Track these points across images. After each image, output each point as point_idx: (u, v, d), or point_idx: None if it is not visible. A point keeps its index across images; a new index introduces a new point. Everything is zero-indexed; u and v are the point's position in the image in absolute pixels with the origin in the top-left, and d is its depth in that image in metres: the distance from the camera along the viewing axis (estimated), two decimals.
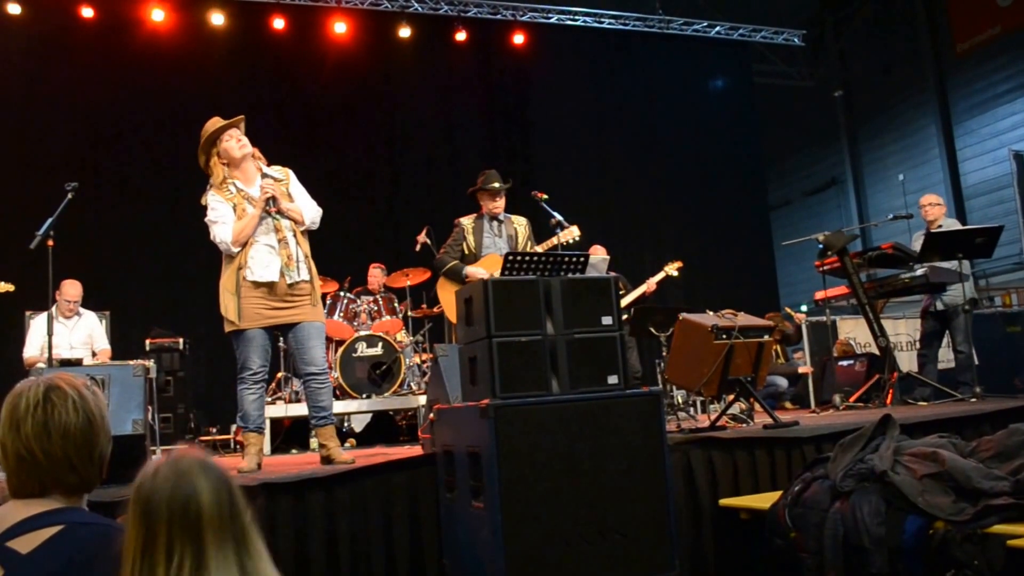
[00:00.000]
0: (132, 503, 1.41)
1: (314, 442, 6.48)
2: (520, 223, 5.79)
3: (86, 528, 1.67)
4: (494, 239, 5.67)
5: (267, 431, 6.46)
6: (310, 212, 4.53)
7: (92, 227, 9.33)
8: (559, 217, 5.51)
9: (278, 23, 10.46)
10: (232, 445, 7.64)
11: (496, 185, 5.64)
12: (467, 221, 5.75)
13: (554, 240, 5.58)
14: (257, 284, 4.32)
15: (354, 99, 10.83)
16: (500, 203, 5.69)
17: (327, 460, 4.34)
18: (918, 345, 7.22)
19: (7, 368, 8.05)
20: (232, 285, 4.35)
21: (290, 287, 4.36)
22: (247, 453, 4.38)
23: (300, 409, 6.70)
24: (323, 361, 4.50)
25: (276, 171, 4.59)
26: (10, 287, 6.44)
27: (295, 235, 4.42)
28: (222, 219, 4.37)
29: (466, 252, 5.65)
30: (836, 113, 15.60)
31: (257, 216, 4.33)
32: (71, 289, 6.75)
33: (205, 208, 4.46)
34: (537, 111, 11.91)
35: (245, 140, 4.48)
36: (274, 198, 4.37)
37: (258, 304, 4.33)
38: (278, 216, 4.38)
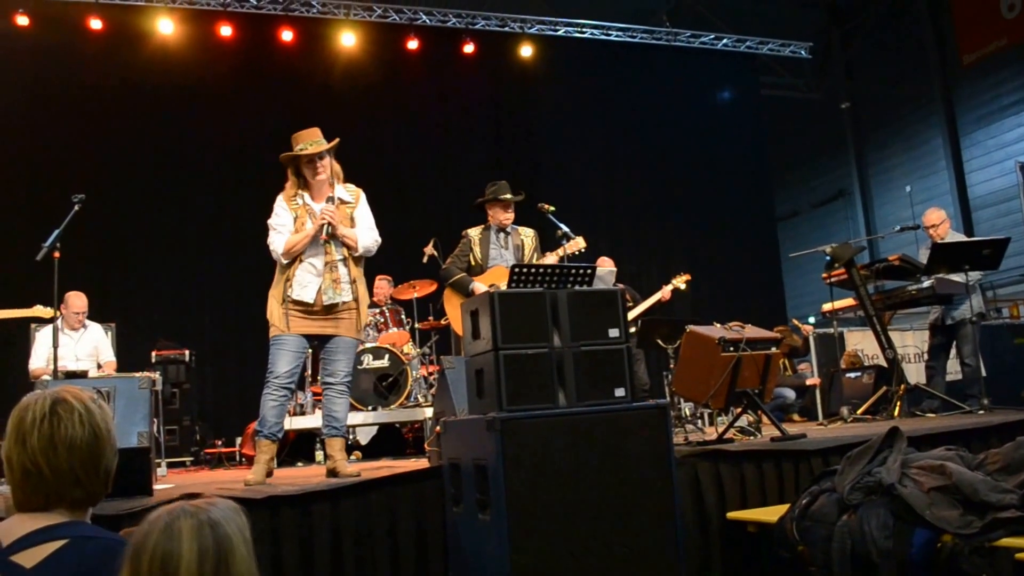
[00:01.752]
0: (129, 546, 1.42)
1: (319, 454, 6.49)
2: (527, 234, 5.79)
3: (90, 542, 1.67)
4: (500, 250, 5.67)
5: None
6: (365, 240, 4.59)
7: (99, 239, 9.37)
8: (565, 229, 5.50)
9: (287, 35, 10.52)
10: (238, 458, 7.63)
11: (508, 196, 5.64)
12: (474, 232, 5.74)
13: (560, 251, 5.57)
14: (298, 301, 4.44)
15: (362, 111, 10.86)
16: (511, 214, 5.69)
17: (332, 473, 4.37)
18: (925, 357, 7.19)
19: (13, 380, 8.07)
20: (279, 295, 4.48)
21: (328, 308, 4.46)
22: (256, 462, 4.40)
23: (305, 422, 6.71)
24: (345, 375, 4.59)
25: (348, 192, 4.68)
26: (47, 312, 6.47)
27: (347, 261, 4.53)
28: (280, 228, 4.49)
29: (472, 263, 5.64)
30: (843, 125, 15.60)
31: (310, 236, 4.43)
32: (77, 301, 6.77)
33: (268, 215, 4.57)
34: (544, 123, 11.94)
35: (325, 167, 4.54)
36: (330, 224, 4.44)
37: (299, 315, 4.45)
38: (331, 241, 4.48)
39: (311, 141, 4.53)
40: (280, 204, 4.55)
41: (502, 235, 5.70)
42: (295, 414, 6.86)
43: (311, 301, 4.42)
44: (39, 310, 6.46)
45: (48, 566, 1.60)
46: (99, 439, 1.78)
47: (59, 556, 1.62)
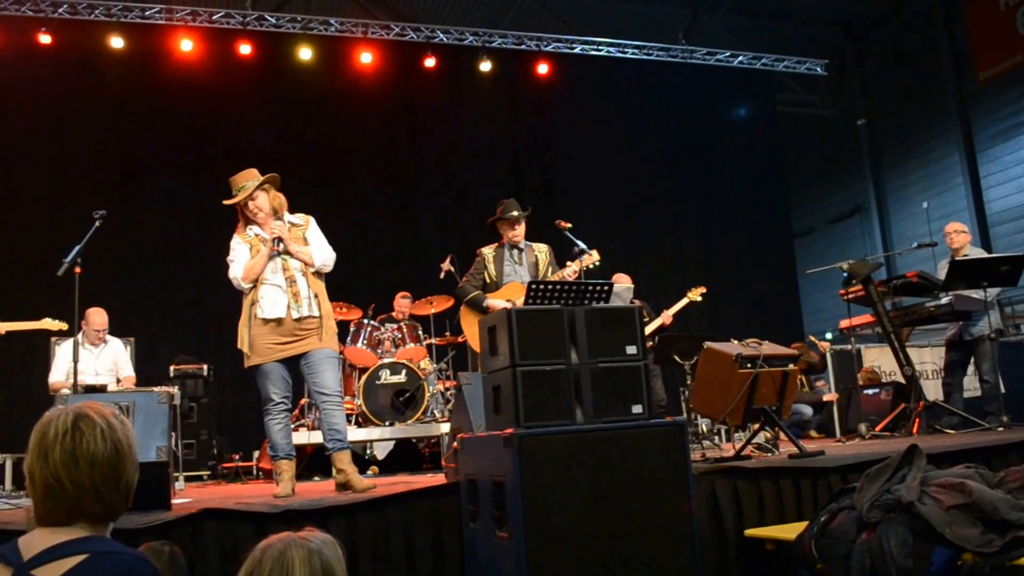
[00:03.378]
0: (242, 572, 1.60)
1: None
2: (541, 250, 5.82)
3: (110, 558, 1.69)
4: (515, 267, 5.70)
5: None
6: (321, 255, 4.75)
7: (118, 254, 9.48)
8: (582, 246, 5.54)
9: (305, 53, 10.62)
10: (255, 472, 7.66)
11: (515, 213, 5.68)
12: (488, 250, 5.79)
13: (576, 264, 5.60)
14: (266, 320, 4.57)
15: (379, 128, 10.95)
16: (520, 231, 5.73)
17: (344, 486, 4.41)
18: (942, 374, 7.14)
19: (32, 394, 8.17)
20: (246, 320, 4.64)
21: (297, 321, 4.59)
22: (280, 480, 4.55)
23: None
24: (335, 385, 4.65)
25: (297, 218, 4.87)
26: (63, 325, 6.53)
27: (304, 275, 4.66)
28: (237, 259, 4.70)
29: (487, 281, 5.68)
30: (859, 141, 15.55)
31: (266, 255, 4.62)
32: (97, 318, 6.83)
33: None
34: (561, 141, 11.99)
35: (262, 204, 4.71)
36: (280, 239, 4.63)
37: (268, 339, 4.58)
38: (287, 257, 4.64)
39: (241, 185, 4.73)
40: (235, 240, 4.77)
41: (515, 252, 5.74)
42: (313, 428, 6.87)
43: (283, 316, 4.56)
44: (48, 323, 6.50)
45: None
46: (120, 454, 1.80)
47: (78, 571, 1.63)
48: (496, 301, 5.50)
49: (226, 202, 4.78)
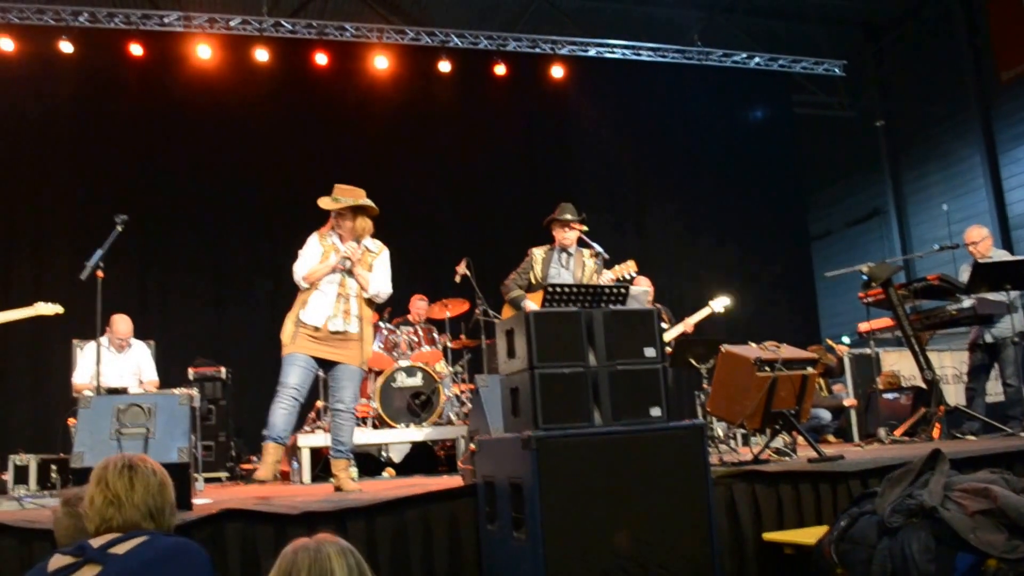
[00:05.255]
0: (277, 571, 1.77)
1: (353, 471, 6.54)
2: (590, 256, 5.83)
3: (168, 539, 2.14)
4: (560, 270, 5.73)
5: (306, 462, 6.54)
6: (377, 285, 5.06)
7: (138, 257, 9.58)
8: (598, 248, 5.55)
9: (321, 59, 10.68)
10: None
11: (568, 216, 5.71)
12: (539, 251, 5.83)
13: (615, 270, 5.65)
14: (306, 324, 4.91)
15: (395, 132, 10.97)
16: (571, 235, 5.75)
17: (337, 489, 4.80)
18: (966, 378, 7.07)
19: (55, 398, 8.24)
20: (294, 316, 4.96)
21: (334, 334, 4.88)
22: (264, 462, 4.85)
23: None
24: (352, 401, 4.98)
25: (374, 244, 5.15)
26: (59, 309, 6.56)
27: (358, 298, 4.99)
28: (306, 257, 5.02)
29: (532, 281, 5.73)
30: (877, 143, 15.42)
31: (330, 267, 4.94)
32: (122, 325, 6.90)
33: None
34: (576, 143, 11.98)
35: (348, 226, 4.99)
36: (350, 259, 4.95)
37: (308, 338, 4.91)
38: (348, 275, 4.96)
39: (345, 197, 5.01)
40: (312, 238, 5.09)
41: (564, 255, 5.77)
42: (330, 431, 6.88)
43: (319, 325, 4.87)
44: (41, 307, 6.47)
45: (136, 553, 2.03)
46: (167, 489, 2.23)
47: (143, 546, 2.05)
48: (530, 303, 5.52)
49: (321, 202, 5.02)
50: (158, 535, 2.11)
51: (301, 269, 4.98)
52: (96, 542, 2.07)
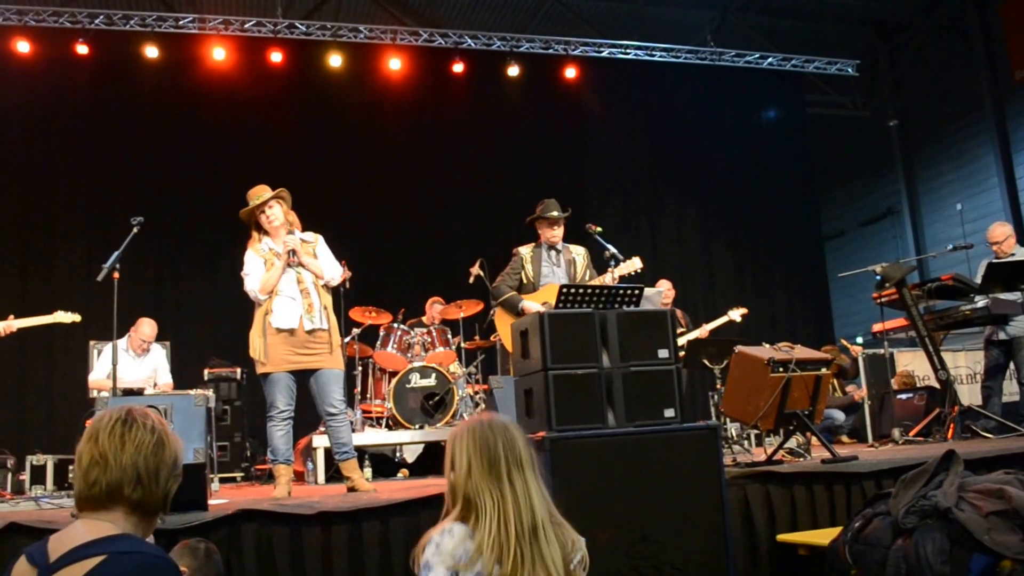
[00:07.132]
0: (471, 439, 2.21)
1: (367, 472, 6.59)
2: (578, 252, 5.81)
3: (128, 557, 1.75)
4: (552, 268, 5.70)
5: (321, 462, 6.58)
6: (329, 270, 5.07)
7: (153, 257, 9.65)
8: (613, 250, 5.51)
9: (335, 60, 10.71)
10: None
11: (555, 213, 5.68)
12: (526, 250, 5.78)
13: (619, 270, 5.58)
14: (279, 330, 4.83)
15: (408, 134, 11.01)
16: (558, 232, 5.73)
17: (352, 489, 4.79)
18: (981, 377, 7.04)
19: (71, 399, 8.31)
20: (260, 330, 4.89)
21: (309, 334, 4.84)
22: (278, 484, 4.85)
23: (355, 439, 6.77)
24: (341, 402, 4.95)
25: (308, 235, 5.13)
26: (76, 317, 6.63)
27: (316, 287, 4.95)
28: (253, 272, 4.97)
29: (524, 281, 5.68)
30: (891, 143, 15.35)
31: (281, 267, 4.89)
32: (147, 329, 6.99)
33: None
34: (590, 144, 11.99)
35: (276, 214, 5.00)
36: (294, 251, 4.90)
37: (281, 349, 4.83)
38: (300, 269, 4.92)
39: (257, 196, 5.01)
40: (248, 254, 5.04)
41: (553, 253, 5.74)
42: None
43: (294, 327, 4.81)
44: (60, 315, 6.54)
45: None
46: (163, 448, 1.91)
47: (97, 572, 1.71)
48: (531, 303, 5.49)
49: (242, 213, 5.03)
50: (116, 553, 1.74)
51: (255, 282, 4.93)
52: (55, 548, 1.77)
